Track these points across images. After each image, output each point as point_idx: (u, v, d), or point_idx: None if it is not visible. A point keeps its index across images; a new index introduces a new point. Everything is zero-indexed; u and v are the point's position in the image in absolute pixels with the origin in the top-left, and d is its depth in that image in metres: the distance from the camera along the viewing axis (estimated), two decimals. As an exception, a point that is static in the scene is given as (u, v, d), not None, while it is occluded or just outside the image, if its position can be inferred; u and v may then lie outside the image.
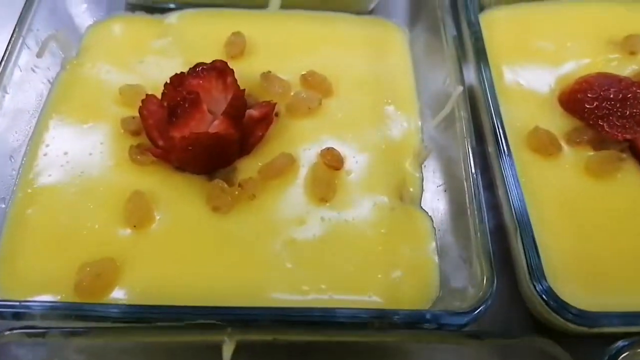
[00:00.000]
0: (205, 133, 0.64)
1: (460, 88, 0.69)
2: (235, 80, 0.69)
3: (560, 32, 0.82)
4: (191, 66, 0.72)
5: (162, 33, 0.82)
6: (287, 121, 0.73)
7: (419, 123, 0.76)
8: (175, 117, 0.65)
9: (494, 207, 0.68)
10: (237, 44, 0.79)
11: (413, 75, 0.80)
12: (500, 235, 0.66)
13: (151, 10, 0.86)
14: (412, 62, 0.82)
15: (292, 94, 0.75)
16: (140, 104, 0.68)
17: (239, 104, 0.66)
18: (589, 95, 0.71)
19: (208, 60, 0.74)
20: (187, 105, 0.65)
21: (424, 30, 0.84)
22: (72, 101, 0.74)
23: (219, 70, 0.68)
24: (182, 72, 0.69)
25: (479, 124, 0.73)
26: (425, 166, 0.72)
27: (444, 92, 0.75)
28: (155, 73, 0.77)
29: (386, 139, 0.73)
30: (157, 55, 0.79)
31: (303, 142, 0.71)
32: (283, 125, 0.73)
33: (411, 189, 0.69)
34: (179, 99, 0.65)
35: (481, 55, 0.74)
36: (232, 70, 0.69)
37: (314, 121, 0.73)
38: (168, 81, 0.68)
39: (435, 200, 0.69)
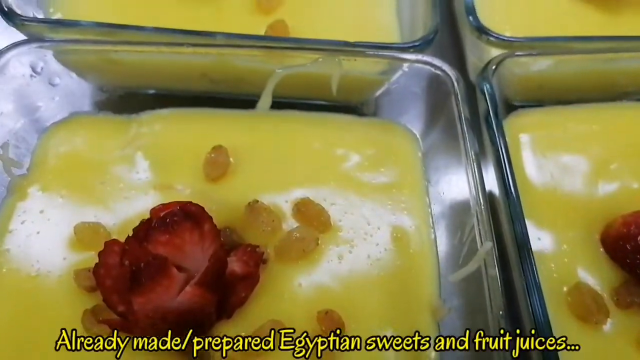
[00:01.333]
0: (174, 310, 0.52)
1: (489, 245, 0.57)
2: (214, 228, 0.56)
3: (600, 146, 0.70)
4: (162, 197, 0.63)
5: (129, 142, 0.69)
6: (277, 267, 0.61)
7: (435, 261, 0.64)
8: (138, 284, 0.52)
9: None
10: (219, 164, 0.66)
11: (427, 195, 0.68)
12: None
13: (120, 106, 0.74)
14: (424, 174, 0.70)
15: (283, 229, 0.63)
16: (97, 258, 0.55)
17: (217, 268, 0.54)
18: (641, 244, 0.59)
19: (183, 186, 0.65)
20: (152, 271, 0.52)
21: (439, 136, 0.72)
22: (16, 243, 0.61)
23: (194, 218, 0.56)
24: (148, 220, 0.56)
25: (499, 231, 0.61)
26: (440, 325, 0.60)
27: (464, 221, 0.63)
28: (119, 201, 0.64)
29: (397, 290, 0.61)
30: (122, 176, 0.66)
31: (295, 299, 0.59)
32: (272, 274, 0.60)
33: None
34: (142, 263, 0.52)
35: (509, 186, 0.62)
36: (209, 217, 0.56)
37: (308, 267, 0.61)
38: (130, 233, 0.56)
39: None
